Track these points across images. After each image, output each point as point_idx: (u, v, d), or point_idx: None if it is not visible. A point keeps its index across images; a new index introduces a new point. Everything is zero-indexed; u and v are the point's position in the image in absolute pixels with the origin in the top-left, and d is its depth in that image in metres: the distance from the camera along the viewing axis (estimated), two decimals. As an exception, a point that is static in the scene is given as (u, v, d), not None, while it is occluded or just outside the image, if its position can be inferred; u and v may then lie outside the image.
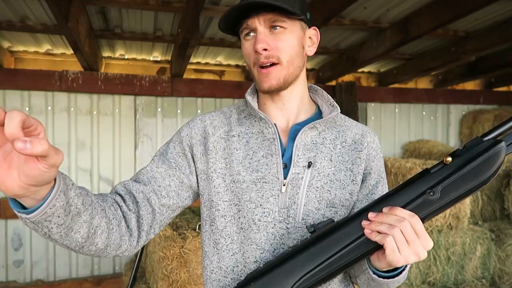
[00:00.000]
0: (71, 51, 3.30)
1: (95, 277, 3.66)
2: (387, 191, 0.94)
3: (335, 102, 0.96)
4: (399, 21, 3.03)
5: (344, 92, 4.22)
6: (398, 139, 4.69)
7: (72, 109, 3.66)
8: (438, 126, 4.85)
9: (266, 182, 0.88)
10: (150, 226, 0.89)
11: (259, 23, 0.86)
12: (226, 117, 0.98)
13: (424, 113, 4.79)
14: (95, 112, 3.72)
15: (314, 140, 0.92)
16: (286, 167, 0.89)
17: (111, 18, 2.91)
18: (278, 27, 0.86)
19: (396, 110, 4.68)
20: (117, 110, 3.78)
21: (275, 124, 0.92)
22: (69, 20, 2.40)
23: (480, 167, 0.71)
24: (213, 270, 0.92)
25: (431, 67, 3.86)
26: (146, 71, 3.99)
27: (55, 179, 0.63)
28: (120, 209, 0.85)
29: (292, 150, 0.89)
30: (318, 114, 0.98)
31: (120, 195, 0.88)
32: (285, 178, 0.87)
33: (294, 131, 0.92)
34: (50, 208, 0.63)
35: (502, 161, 0.72)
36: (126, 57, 3.88)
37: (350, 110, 4.16)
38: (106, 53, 3.76)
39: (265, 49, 0.86)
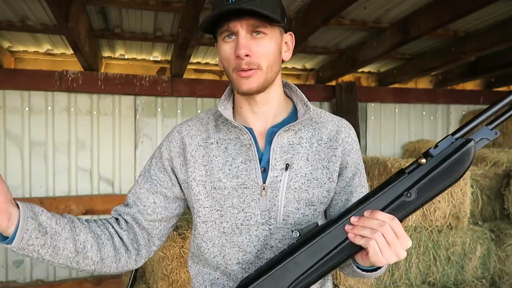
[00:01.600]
0: (71, 51, 3.30)
1: (95, 277, 3.66)
2: (365, 181, 1.00)
3: (308, 102, 0.97)
4: (399, 21, 3.03)
5: (344, 92, 4.22)
6: (398, 139, 4.69)
7: (72, 109, 3.66)
8: (438, 126, 4.85)
9: (246, 188, 0.90)
10: (148, 240, 0.98)
11: (241, 27, 0.86)
12: (203, 124, 0.99)
13: (424, 113, 4.79)
14: (95, 112, 3.72)
15: (290, 141, 0.93)
16: (265, 171, 0.91)
17: (111, 18, 2.91)
18: (259, 33, 0.87)
19: (396, 110, 4.68)
20: (117, 110, 3.78)
21: (251, 128, 0.94)
22: (69, 20, 2.40)
23: (452, 167, 0.76)
24: (204, 265, 0.97)
25: (431, 67, 3.86)
26: (146, 71, 3.99)
27: (19, 211, 0.79)
28: (112, 226, 0.96)
29: (269, 153, 0.91)
30: (294, 113, 0.99)
31: (114, 218, 1.00)
32: (264, 182, 0.90)
33: (271, 134, 0.93)
34: (25, 233, 0.77)
35: (472, 159, 0.77)
36: (126, 57, 3.88)
37: (350, 110, 4.16)
38: (106, 53, 3.76)
39: (247, 55, 0.86)
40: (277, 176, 0.90)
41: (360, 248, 0.75)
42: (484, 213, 3.24)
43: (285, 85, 1.02)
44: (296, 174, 0.91)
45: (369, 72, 4.65)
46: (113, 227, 0.96)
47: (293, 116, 0.97)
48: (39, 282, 3.54)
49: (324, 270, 0.77)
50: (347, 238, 0.76)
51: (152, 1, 2.56)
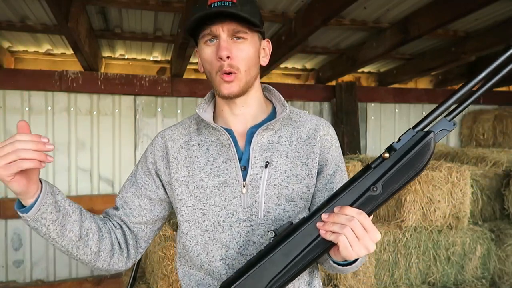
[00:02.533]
0: (71, 51, 3.30)
1: (95, 277, 3.66)
2: (346, 178, 1.02)
3: (285, 102, 1.02)
4: (399, 21, 3.03)
5: (344, 92, 4.22)
6: (398, 139, 4.68)
7: (72, 109, 3.66)
8: (438, 126, 4.85)
9: (227, 186, 0.94)
10: (136, 242, 1.03)
11: (222, 31, 0.90)
12: (185, 128, 1.04)
13: (424, 113, 4.79)
14: (95, 112, 3.72)
15: (270, 140, 0.97)
16: (246, 169, 0.94)
17: (111, 18, 2.91)
18: (240, 38, 0.91)
19: (396, 110, 4.68)
20: (117, 110, 3.78)
21: (231, 129, 0.99)
22: (69, 20, 2.40)
23: (414, 160, 0.79)
24: (190, 266, 1.00)
25: (431, 67, 3.86)
26: (146, 71, 3.99)
27: (41, 186, 0.83)
28: (110, 223, 1.01)
29: (249, 152, 0.95)
30: (273, 114, 1.03)
31: (105, 217, 1.05)
32: (244, 180, 0.93)
33: (251, 134, 0.97)
34: (43, 205, 0.82)
35: (433, 151, 0.80)
36: (126, 57, 3.88)
37: (350, 110, 4.16)
38: (106, 53, 3.76)
39: (228, 57, 0.90)
40: (257, 174, 0.93)
41: (332, 244, 0.78)
42: (484, 213, 3.24)
43: (264, 89, 1.06)
44: (275, 171, 0.94)
45: (369, 72, 4.65)
46: (111, 223, 1.01)
47: (272, 117, 1.01)
48: (39, 282, 3.54)
49: (300, 267, 0.80)
50: (319, 235, 0.78)
51: (152, 1, 2.56)
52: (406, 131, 0.82)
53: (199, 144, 0.99)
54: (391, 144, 0.82)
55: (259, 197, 0.93)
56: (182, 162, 0.98)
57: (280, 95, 1.03)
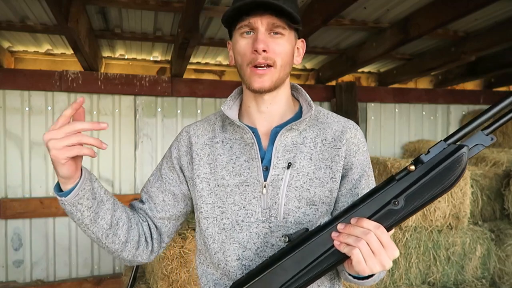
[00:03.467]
0: (71, 51, 3.30)
1: (95, 277, 3.66)
2: (373, 184, 0.97)
3: (312, 102, 0.98)
4: (399, 21, 3.03)
5: (344, 92, 4.22)
6: (398, 139, 4.68)
7: (72, 109, 3.65)
8: (438, 126, 4.85)
9: (248, 185, 0.92)
10: (159, 236, 1.04)
11: (261, 24, 0.88)
12: (210, 124, 1.03)
13: (424, 113, 4.79)
14: (95, 112, 3.72)
15: (294, 140, 0.95)
16: (267, 170, 0.92)
17: (111, 18, 2.91)
18: (277, 33, 0.90)
19: (396, 110, 4.68)
20: (117, 110, 3.78)
21: (255, 128, 0.97)
22: (69, 20, 2.40)
23: (442, 174, 0.72)
24: (208, 265, 0.99)
25: (431, 67, 3.86)
26: (146, 71, 3.99)
27: (81, 173, 0.86)
28: (137, 214, 1.02)
29: (272, 152, 0.93)
30: (299, 114, 1.00)
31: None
32: (265, 180, 0.91)
33: (275, 134, 0.95)
34: (81, 191, 0.84)
35: (465, 166, 0.73)
36: (126, 57, 3.88)
37: (350, 110, 4.16)
38: (106, 53, 3.76)
39: (264, 50, 0.88)
40: (278, 174, 0.91)
41: (346, 256, 0.74)
42: (484, 213, 3.24)
43: (292, 87, 1.04)
44: (298, 173, 0.92)
45: (369, 72, 4.65)
46: (139, 216, 1.02)
47: (298, 116, 0.99)
48: (39, 282, 3.54)
49: (311, 276, 0.77)
50: (333, 245, 0.75)
51: (152, 1, 2.56)
52: (437, 143, 0.75)
53: (222, 142, 0.98)
54: (418, 156, 0.76)
55: (279, 198, 0.90)
56: (205, 159, 0.97)
57: (307, 94, 1.01)
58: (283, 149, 0.93)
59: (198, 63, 4.05)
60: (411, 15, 2.90)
